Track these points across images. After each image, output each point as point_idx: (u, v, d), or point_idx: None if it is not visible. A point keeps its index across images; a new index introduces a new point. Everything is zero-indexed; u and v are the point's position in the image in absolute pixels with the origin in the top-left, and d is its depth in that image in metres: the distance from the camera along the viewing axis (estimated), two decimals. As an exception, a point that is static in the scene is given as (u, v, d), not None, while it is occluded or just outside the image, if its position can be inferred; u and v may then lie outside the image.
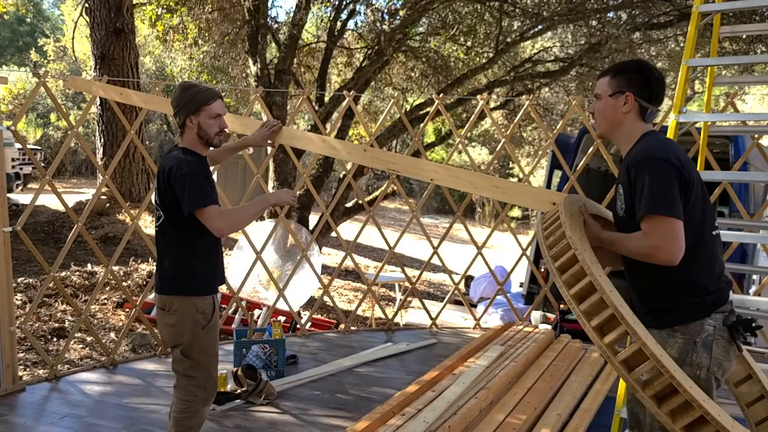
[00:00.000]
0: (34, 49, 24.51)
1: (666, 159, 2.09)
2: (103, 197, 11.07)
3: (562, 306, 5.86)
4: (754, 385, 2.52)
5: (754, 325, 2.23)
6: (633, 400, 2.39)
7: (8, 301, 4.14)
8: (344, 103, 5.79)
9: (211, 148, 3.04)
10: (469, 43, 9.95)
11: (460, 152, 21.89)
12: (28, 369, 5.49)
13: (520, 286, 7.47)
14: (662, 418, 2.02)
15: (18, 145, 13.29)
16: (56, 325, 6.54)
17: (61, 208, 4.74)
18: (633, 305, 2.25)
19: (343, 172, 6.16)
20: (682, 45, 9.37)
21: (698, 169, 4.40)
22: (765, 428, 2.49)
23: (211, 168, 3.12)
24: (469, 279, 8.88)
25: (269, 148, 8.98)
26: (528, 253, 6.10)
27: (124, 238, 5.11)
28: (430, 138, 16.73)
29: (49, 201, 4.68)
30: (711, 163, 5.22)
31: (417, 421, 3.46)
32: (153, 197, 3.03)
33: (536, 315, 6.49)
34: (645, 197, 2.10)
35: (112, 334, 6.52)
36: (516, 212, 21.29)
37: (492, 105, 10.52)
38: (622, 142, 2.29)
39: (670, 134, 3.51)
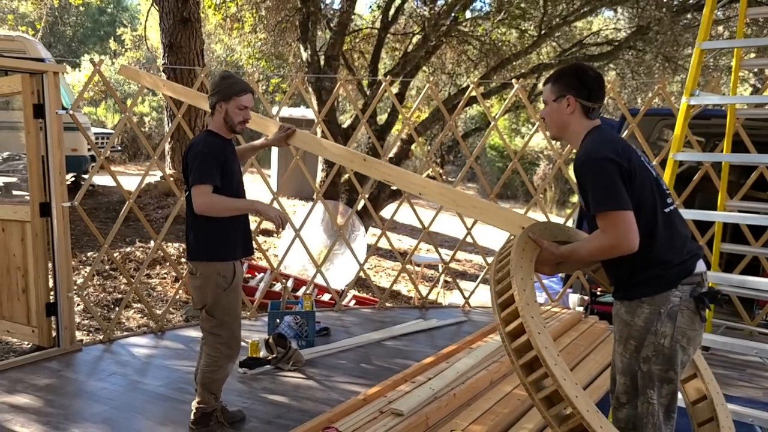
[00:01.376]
0: (113, 38, 25.76)
1: (603, 157, 2.23)
2: (171, 179, 11.73)
3: (593, 289, 5.92)
4: (699, 383, 2.64)
5: (720, 296, 2.34)
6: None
7: (67, 270, 4.61)
8: (381, 87, 5.96)
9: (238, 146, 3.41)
10: (523, 26, 9.94)
11: (522, 137, 21.75)
12: (90, 334, 6.02)
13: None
14: None
15: (95, 129, 14.20)
16: (119, 296, 7.09)
17: (134, 189, 5.23)
18: (609, 275, 2.43)
19: (388, 156, 6.36)
20: (732, 29, 9.07)
21: (725, 152, 4.40)
22: (706, 431, 2.61)
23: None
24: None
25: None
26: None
27: (170, 216, 5.46)
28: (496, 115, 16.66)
29: (123, 182, 5.12)
30: (748, 146, 5.15)
31: (424, 388, 3.68)
32: None
33: (574, 298, 6.54)
34: (593, 197, 2.25)
35: (171, 307, 7.02)
36: (574, 198, 20.89)
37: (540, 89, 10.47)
38: (572, 140, 2.44)
39: (680, 117, 3.57)
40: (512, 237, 2.76)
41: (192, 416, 3.39)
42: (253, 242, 3.61)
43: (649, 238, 2.26)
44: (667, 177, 3.55)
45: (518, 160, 6.10)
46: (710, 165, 5.40)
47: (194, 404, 3.40)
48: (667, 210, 2.31)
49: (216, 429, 3.39)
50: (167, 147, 11.69)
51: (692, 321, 2.28)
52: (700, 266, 2.35)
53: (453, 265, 10.77)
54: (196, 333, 5.30)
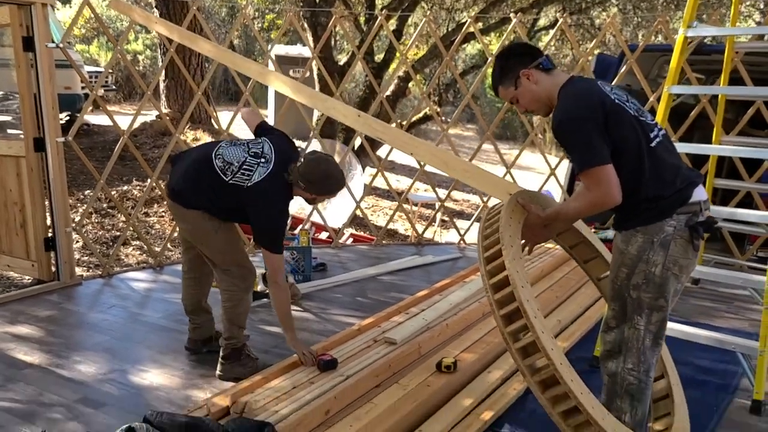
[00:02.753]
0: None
1: (576, 117, 2.22)
2: (167, 117, 11.63)
3: (589, 226, 5.97)
4: (663, 383, 2.73)
5: (715, 226, 2.38)
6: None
7: (63, 205, 4.64)
8: (377, 22, 5.86)
9: None
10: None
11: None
12: (90, 270, 6.10)
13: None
14: (543, 402, 2.26)
15: (89, 68, 13.98)
16: (117, 233, 7.14)
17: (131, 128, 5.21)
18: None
19: (385, 94, 6.31)
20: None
21: (721, 84, 4.36)
22: (659, 384, 2.72)
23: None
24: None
25: (316, 80, 9.16)
26: (559, 174, 6.21)
27: (165, 155, 5.46)
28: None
29: (119, 122, 5.09)
30: (746, 82, 5.11)
31: (417, 319, 3.76)
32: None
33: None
34: (574, 157, 2.27)
35: (169, 244, 7.09)
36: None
37: (541, 25, 10.27)
38: (554, 103, 2.39)
39: (677, 49, 3.53)
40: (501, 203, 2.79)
41: (222, 352, 3.38)
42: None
43: (639, 177, 2.27)
44: (661, 111, 3.53)
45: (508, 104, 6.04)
46: (707, 101, 5.37)
47: (222, 341, 3.39)
48: (653, 144, 2.29)
49: (247, 362, 3.38)
50: (162, 85, 11.57)
51: (685, 250, 2.30)
52: (699, 194, 2.34)
53: (450, 204, 10.83)
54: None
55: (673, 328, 3.33)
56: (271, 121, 13.33)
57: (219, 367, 3.39)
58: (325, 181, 3.21)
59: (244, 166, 3.14)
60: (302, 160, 3.20)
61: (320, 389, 2.87)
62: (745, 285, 3.29)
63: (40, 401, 3.04)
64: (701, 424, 2.87)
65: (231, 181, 3.13)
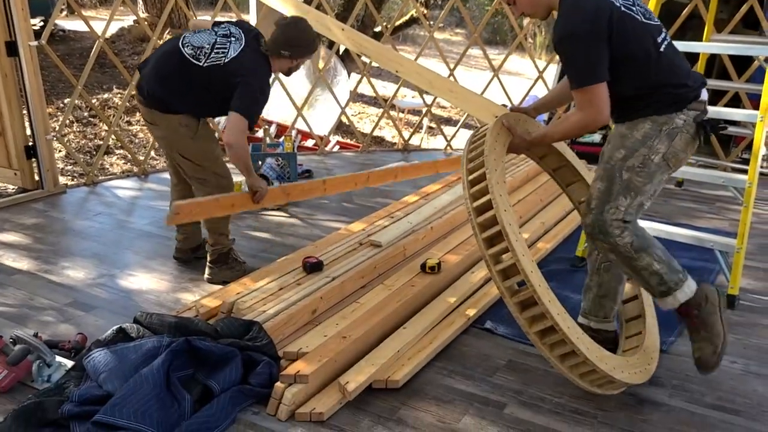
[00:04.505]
0: None
1: (577, 33, 2.15)
2: (145, 23, 11.24)
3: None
4: (636, 303, 2.78)
5: (720, 125, 2.39)
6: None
7: (42, 112, 4.54)
8: None
9: None
10: None
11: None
12: (75, 179, 6.06)
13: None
14: (521, 321, 2.31)
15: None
16: (100, 142, 7.05)
17: (107, 35, 4.99)
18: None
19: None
20: None
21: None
22: (632, 306, 2.80)
23: None
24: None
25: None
26: (547, 78, 6.12)
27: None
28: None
29: (96, 27, 4.89)
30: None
31: (402, 222, 3.80)
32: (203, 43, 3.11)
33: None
34: (571, 73, 2.23)
35: (153, 152, 7.01)
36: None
37: None
38: (555, 6, 2.31)
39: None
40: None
41: (209, 257, 3.40)
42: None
43: (650, 80, 2.26)
44: (651, 9, 3.43)
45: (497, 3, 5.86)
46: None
47: (208, 246, 3.41)
48: (662, 49, 2.26)
49: (234, 266, 3.42)
50: (139, -12, 11.09)
51: (686, 145, 2.33)
52: (704, 95, 2.36)
53: (437, 111, 10.71)
54: (179, 176, 5.34)
55: (654, 227, 3.39)
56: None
57: (207, 270, 3.42)
58: (307, 39, 3.19)
59: (216, 46, 3.05)
60: (276, 27, 3.15)
61: (306, 290, 2.93)
62: (727, 184, 3.32)
63: (31, 305, 3.09)
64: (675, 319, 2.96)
65: (206, 64, 3.03)
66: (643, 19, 2.26)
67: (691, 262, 3.62)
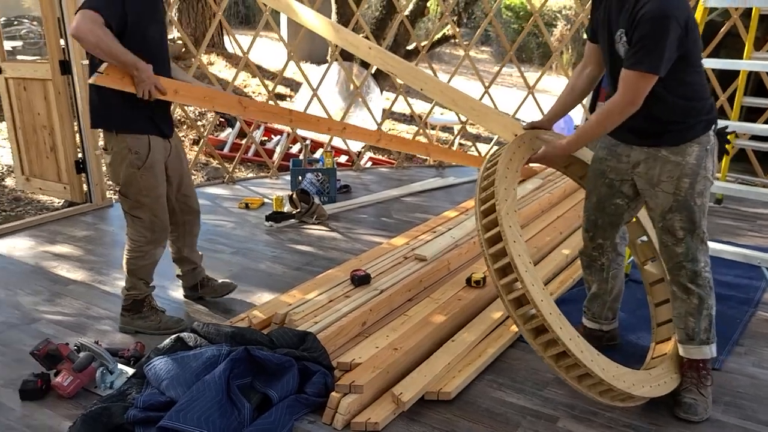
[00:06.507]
0: None
1: (671, 16, 2.12)
2: (179, 42, 11.48)
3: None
4: (668, 309, 2.78)
5: (726, 132, 2.54)
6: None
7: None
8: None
9: None
10: None
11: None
12: (115, 194, 6.20)
13: (576, 128, 7.55)
14: (535, 347, 2.36)
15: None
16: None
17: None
18: (642, 128, 2.39)
19: (404, 14, 6.17)
20: None
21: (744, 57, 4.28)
22: (663, 309, 2.84)
23: None
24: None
25: (332, 1, 8.87)
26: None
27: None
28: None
29: None
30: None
31: (445, 237, 3.85)
32: None
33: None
34: (636, 52, 2.18)
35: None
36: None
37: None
38: None
39: (697, 15, 3.41)
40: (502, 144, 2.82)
41: (123, 302, 3.06)
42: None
43: (699, 87, 2.32)
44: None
45: (533, 21, 5.92)
46: (738, 17, 5.24)
47: (123, 291, 3.07)
48: (702, 61, 2.34)
49: (150, 315, 3.06)
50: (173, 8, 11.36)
51: (715, 157, 2.42)
52: None
53: (468, 127, 10.76)
54: (220, 190, 5.46)
55: (700, 244, 3.39)
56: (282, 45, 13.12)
57: (120, 318, 3.08)
58: None
59: None
60: None
61: (356, 302, 2.99)
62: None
63: (88, 314, 3.19)
64: (725, 336, 2.97)
65: None
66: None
67: (736, 280, 3.61)
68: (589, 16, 2.53)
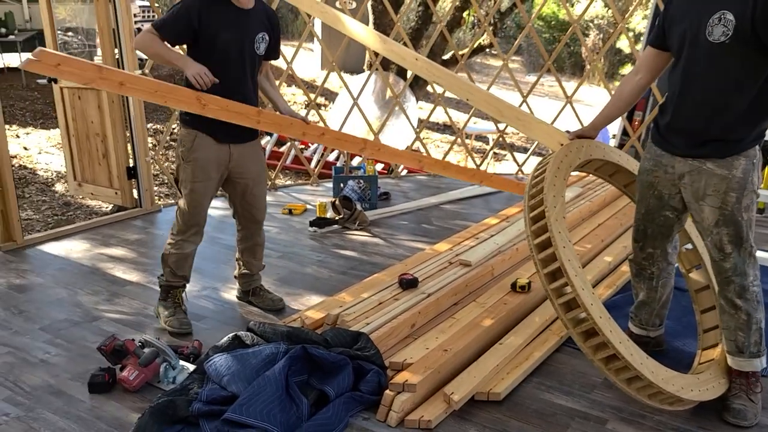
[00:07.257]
0: None
1: None
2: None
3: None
4: (713, 313, 2.85)
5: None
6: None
7: (143, 136, 4.85)
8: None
9: None
10: None
11: (572, 4, 20.77)
12: (161, 200, 6.39)
13: (613, 137, 7.55)
14: (585, 350, 2.41)
15: (139, 2, 14.00)
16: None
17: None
18: (698, 130, 2.39)
19: (442, 24, 6.27)
20: None
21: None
22: (709, 316, 2.88)
23: None
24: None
25: (370, 11, 9.02)
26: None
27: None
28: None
29: None
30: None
31: (488, 243, 3.91)
32: None
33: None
34: None
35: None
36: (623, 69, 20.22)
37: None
38: None
39: None
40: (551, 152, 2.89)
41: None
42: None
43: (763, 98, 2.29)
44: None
45: (565, 31, 5.97)
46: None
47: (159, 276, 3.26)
48: None
49: (169, 306, 3.18)
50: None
51: (760, 171, 2.43)
52: None
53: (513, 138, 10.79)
54: (269, 197, 5.57)
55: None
56: (317, 55, 13.34)
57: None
58: None
59: None
60: None
61: (405, 305, 3.07)
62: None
63: (145, 314, 3.32)
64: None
65: None
66: None
67: (781, 288, 3.60)
68: (658, 22, 2.52)
